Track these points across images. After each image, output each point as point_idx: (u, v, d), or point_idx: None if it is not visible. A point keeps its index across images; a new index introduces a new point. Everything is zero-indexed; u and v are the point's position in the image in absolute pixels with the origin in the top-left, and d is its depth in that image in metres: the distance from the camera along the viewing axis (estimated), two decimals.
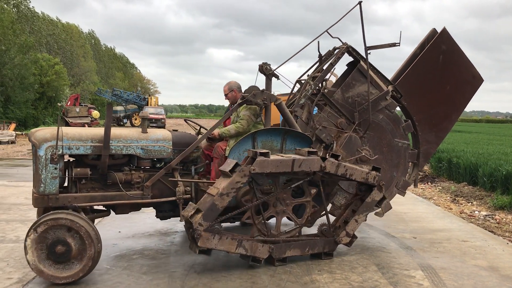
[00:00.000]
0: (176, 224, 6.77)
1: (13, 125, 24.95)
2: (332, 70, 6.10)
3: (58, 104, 37.96)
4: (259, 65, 5.67)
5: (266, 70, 5.66)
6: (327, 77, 6.12)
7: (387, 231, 6.90)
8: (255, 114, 5.70)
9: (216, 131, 5.72)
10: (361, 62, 6.10)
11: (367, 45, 5.98)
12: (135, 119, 42.32)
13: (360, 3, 5.81)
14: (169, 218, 5.56)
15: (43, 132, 4.83)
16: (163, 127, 37.06)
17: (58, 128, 4.74)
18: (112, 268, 4.90)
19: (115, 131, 5.15)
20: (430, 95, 6.46)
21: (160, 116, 40.67)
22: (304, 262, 5.29)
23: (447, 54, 6.38)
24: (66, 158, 5.05)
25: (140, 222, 6.91)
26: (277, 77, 5.76)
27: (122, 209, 5.32)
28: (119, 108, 44.15)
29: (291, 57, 6.38)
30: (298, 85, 6.67)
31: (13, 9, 39.82)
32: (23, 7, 44.80)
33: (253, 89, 5.51)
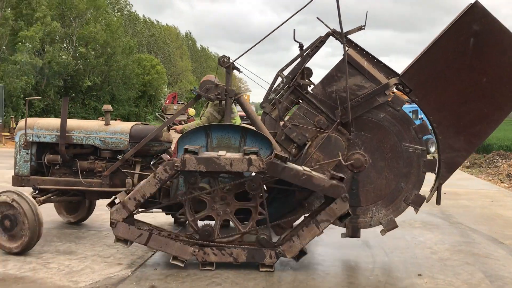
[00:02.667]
0: None
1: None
2: (307, 60, 5.33)
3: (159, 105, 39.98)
4: (218, 58, 5.31)
5: (223, 63, 5.21)
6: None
7: (493, 237, 6.44)
8: (220, 111, 5.48)
9: (180, 127, 5.70)
10: (349, 51, 5.20)
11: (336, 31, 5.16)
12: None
13: None
14: None
15: (21, 122, 5.67)
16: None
17: (25, 119, 5.54)
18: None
19: (78, 122, 5.71)
20: (455, 89, 5.05)
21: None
22: (403, 264, 5.10)
23: (481, 36, 4.89)
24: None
25: None
26: (238, 69, 5.41)
27: (90, 196, 5.76)
28: None
29: (253, 46, 5.62)
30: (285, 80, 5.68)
31: (117, 13, 42.69)
32: (126, 11, 47.90)
33: (206, 83, 5.20)
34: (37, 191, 5.50)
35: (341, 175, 4.77)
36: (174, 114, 5.48)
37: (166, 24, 63.32)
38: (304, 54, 5.32)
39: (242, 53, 5.26)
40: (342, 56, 5.10)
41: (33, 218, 4.96)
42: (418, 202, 5.16)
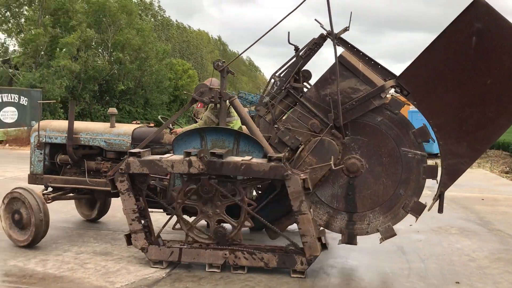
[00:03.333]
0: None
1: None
2: (300, 63, 5.19)
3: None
4: (213, 62, 5.34)
5: (217, 67, 5.24)
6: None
7: None
8: (217, 114, 5.46)
9: (180, 130, 5.72)
10: (343, 53, 5.05)
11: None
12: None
13: None
14: None
15: (36, 124, 6.01)
16: None
17: (38, 122, 5.93)
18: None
19: (86, 124, 6.08)
20: (456, 92, 4.70)
21: None
22: (440, 271, 4.99)
23: (485, 34, 4.52)
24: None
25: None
26: (232, 73, 5.44)
27: (97, 195, 6.11)
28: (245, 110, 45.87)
29: (245, 50, 5.71)
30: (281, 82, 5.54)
31: (151, 19, 43.46)
32: (159, 17, 48.70)
33: (200, 87, 5.25)
34: (48, 189, 5.91)
35: (279, 155, 4.69)
36: (171, 117, 5.55)
37: (199, 29, 64.08)
38: (298, 56, 5.22)
39: (236, 57, 5.36)
40: (337, 58, 4.99)
41: (39, 214, 5.25)
42: (417, 209, 4.95)
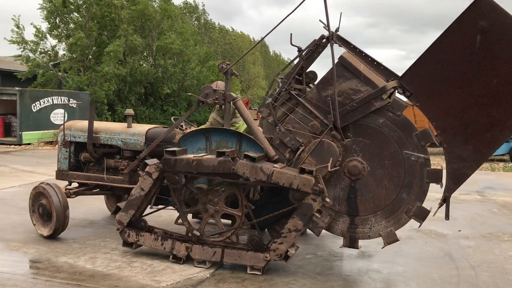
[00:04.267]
0: None
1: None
2: (300, 64, 5.16)
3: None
4: (218, 64, 5.40)
5: (222, 69, 5.31)
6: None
7: None
8: (223, 115, 5.57)
9: (189, 131, 5.76)
10: (344, 54, 4.95)
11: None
12: None
13: None
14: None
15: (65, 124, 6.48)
16: None
17: (64, 122, 6.41)
18: (287, 265, 5.06)
19: (106, 125, 6.39)
20: (461, 93, 4.50)
21: None
22: (492, 279, 4.79)
23: (490, 33, 4.29)
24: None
25: None
26: (236, 75, 5.52)
27: (117, 191, 6.43)
28: None
29: (247, 52, 5.77)
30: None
31: (195, 22, 44.10)
32: (203, 20, 49.38)
33: (205, 89, 5.37)
34: (72, 184, 6.32)
35: (226, 150, 4.79)
36: (180, 118, 5.73)
37: (241, 31, 64.53)
38: (300, 58, 5.19)
39: (239, 58, 5.79)
40: (337, 59, 4.92)
41: (59, 208, 5.62)
42: (420, 215, 4.76)
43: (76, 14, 26.34)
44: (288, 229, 4.65)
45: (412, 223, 6.88)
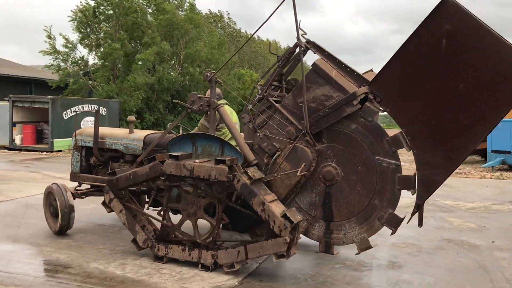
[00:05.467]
0: (376, 238, 6.61)
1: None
2: (276, 71, 5.38)
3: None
4: (204, 72, 5.60)
5: (206, 77, 5.60)
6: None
7: None
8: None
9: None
10: (317, 61, 5.06)
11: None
12: None
13: None
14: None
15: (77, 131, 6.92)
16: None
17: (75, 128, 7.10)
18: (316, 275, 5.03)
19: (111, 130, 6.79)
20: (429, 98, 4.39)
21: None
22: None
23: (455, 36, 4.18)
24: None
25: None
26: (220, 83, 5.72)
27: None
28: None
29: (233, 55, 5.90)
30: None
31: (221, 31, 44.50)
32: (230, 28, 49.78)
33: (191, 96, 5.68)
34: (81, 186, 6.75)
35: (157, 155, 5.21)
36: (171, 124, 6.04)
37: (267, 39, 64.70)
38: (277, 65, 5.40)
39: (223, 65, 6.19)
40: (311, 66, 5.08)
41: (64, 206, 6.10)
42: (392, 222, 4.73)
43: (105, 23, 26.93)
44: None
45: (443, 233, 6.78)
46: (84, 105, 20.56)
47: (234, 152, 5.26)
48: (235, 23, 52.44)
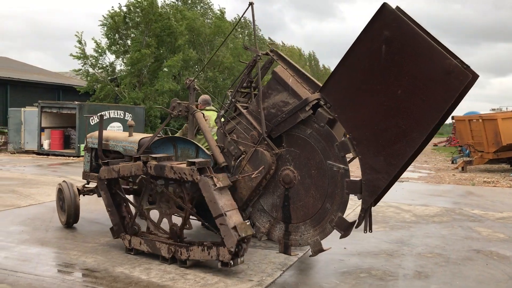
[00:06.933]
0: (402, 247, 6.53)
1: None
2: (244, 80, 5.78)
3: None
4: (184, 79, 5.97)
5: (185, 84, 6.04)
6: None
7: None
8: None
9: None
10: (276, 68, 5.31)
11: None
12: None
13: (251, 4, 5.44)
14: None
15: (89, 134, 7.41)
16: None
17: (86, 130, 7.88)
18: (341, 284, 4.98)
19: (114, 133, 7.40)
20: (372, 104, 4.47)
21: None
22: None
23: (393, 42, 4.26)
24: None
25: (364, 240, 6.87)
26: (198, 90, 6.15)
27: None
28: None
29: (203, 67, 6.05)
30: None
31: (246, 38, 44.66)
32: (253, 36, 49.93)
33: (173, 102, 6.13)
34: (89, 184, 7.33)
35: (141, 156, 5.62)
36: (158, 128, 6.36)
37: (291, 45, 64.74)
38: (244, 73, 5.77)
39: (200, 71, 6.34)
40: (271, 74, 5.33)
41: (70, 202, 6.83)
42: (341, 225, 4.83)
43: (133, 30, 27.38)
44: None
45: (471, 243, 6.64)
46: (110, 111, 20.91)
47: (205, 155, 5.71)
48: (260, 30, 52.57)
